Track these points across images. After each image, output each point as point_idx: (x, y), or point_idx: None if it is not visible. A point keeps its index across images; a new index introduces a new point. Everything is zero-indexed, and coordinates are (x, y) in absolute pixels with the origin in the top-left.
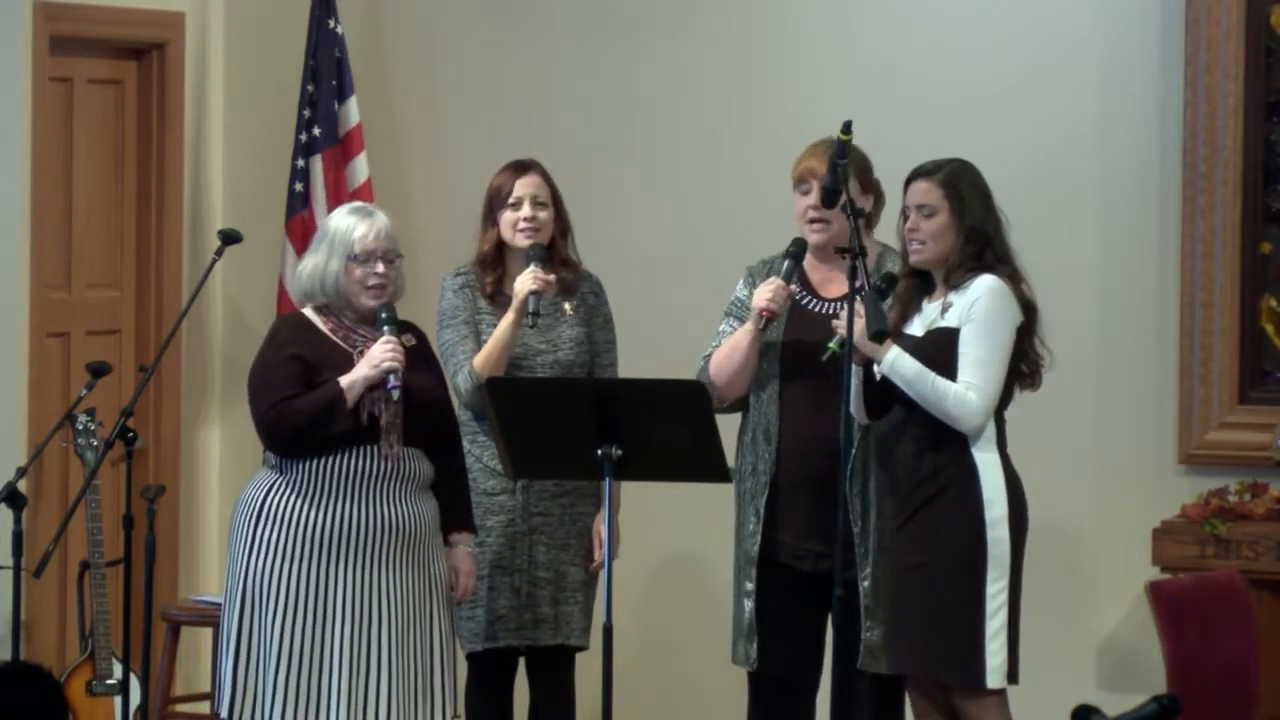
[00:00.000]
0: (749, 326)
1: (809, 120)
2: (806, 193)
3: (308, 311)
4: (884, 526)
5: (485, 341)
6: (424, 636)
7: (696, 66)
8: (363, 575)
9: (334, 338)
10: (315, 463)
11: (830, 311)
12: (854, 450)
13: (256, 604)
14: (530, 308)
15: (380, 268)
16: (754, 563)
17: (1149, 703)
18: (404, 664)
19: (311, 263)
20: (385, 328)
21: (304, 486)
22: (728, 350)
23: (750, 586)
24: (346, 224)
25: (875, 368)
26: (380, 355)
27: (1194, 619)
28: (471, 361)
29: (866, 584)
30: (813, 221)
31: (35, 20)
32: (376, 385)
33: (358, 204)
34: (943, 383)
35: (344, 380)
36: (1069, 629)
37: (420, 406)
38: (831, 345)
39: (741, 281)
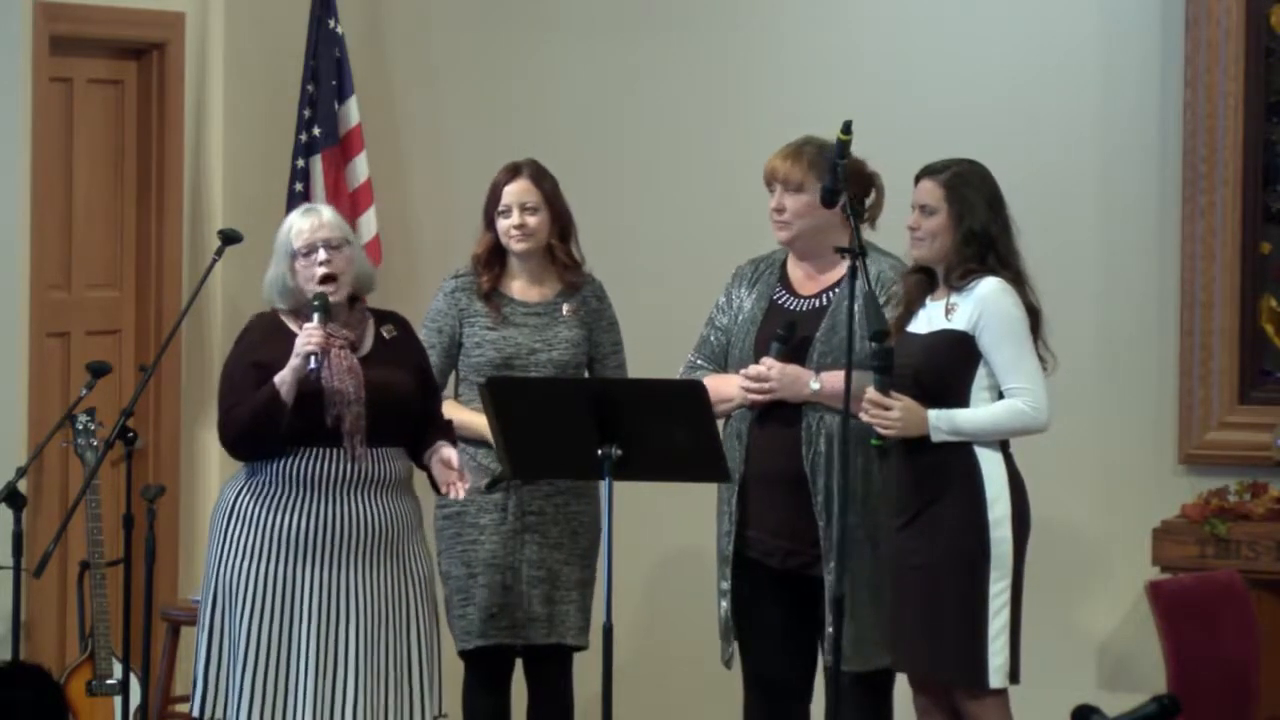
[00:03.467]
0: (738, 396)
1: (809, 120)
2: (772, 194)
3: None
4: (853, 522)
5: (463, 345)
6: (399, 636)
7: (695, 66)
8: (330, 576)
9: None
10: (283, 464)
11: (806, 309)
12: (823, 447)
13: (226, 604)
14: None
15: (322, 254)
16: (728, 562)
17: (1149, 703)
18: (374, 665)
19: (269, 273)
20: (314, 315)
21: (272, 488)
22: (714, 398)
23: (725, 586)
24: (287, 226)
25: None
26: (299, 342)
27: (1194, 619)
28: None
29: (830, 579)
30: (775, 221)
31: (35, 20)
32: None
33: (304, 205)
34: (990, 414)
35: (277, 377)
36: (1069, 629)
37: (392, 405)
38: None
39: (730, 281)
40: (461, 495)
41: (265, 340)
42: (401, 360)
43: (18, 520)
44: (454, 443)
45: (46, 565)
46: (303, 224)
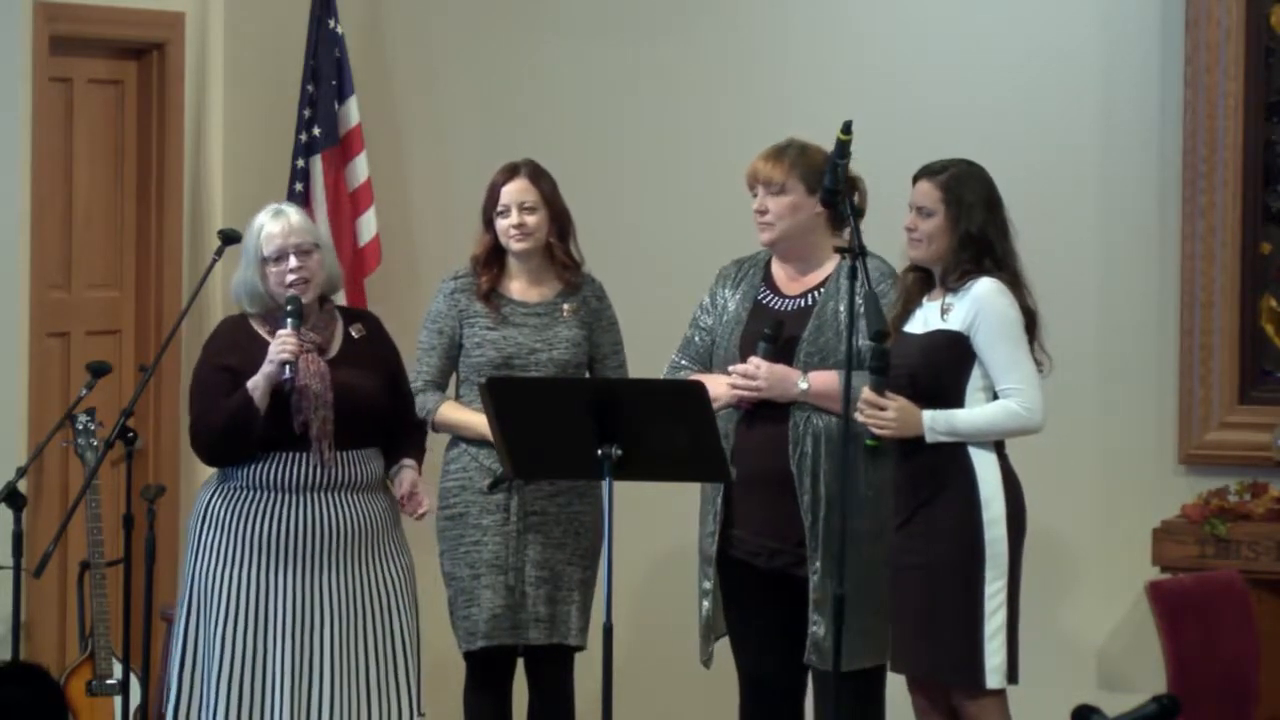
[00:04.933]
0: (725, 395)
1: (809, 120)
2: (755, 196)
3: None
4: (837, 524)
5: (463, 346)
6: (380, 637)
7: (696, 66)
8: (303, 579)
9: (269, 339)
10: (253, 469)
11: (791, 309)
12: (806, 446)
13: (200, 609)
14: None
15: (293, 262)
16: (711, 561)
17: (1149, 703)
18: (351, 667)
19: (237, 276)
20: (287, 321)
21: (243, 492)
22: None
23: (707, 585)
24: (255, 229)
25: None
26: (274, 349)
27: (1194, 619)
28: (430, 397)
29: (815, 578)
30: (758, 223)
31: (35, 20)
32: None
33: (271, 206)
34: (985, 414)
35: (249, 383)
36: (1069, 629)
37: (360, 407)
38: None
39: (714, 281)
40: (420, 513)
41: (233, 345)
42: (370, 360)
43: (18, 520)
44: (420, 454)
45: (46, 565)
46: (273, 228)
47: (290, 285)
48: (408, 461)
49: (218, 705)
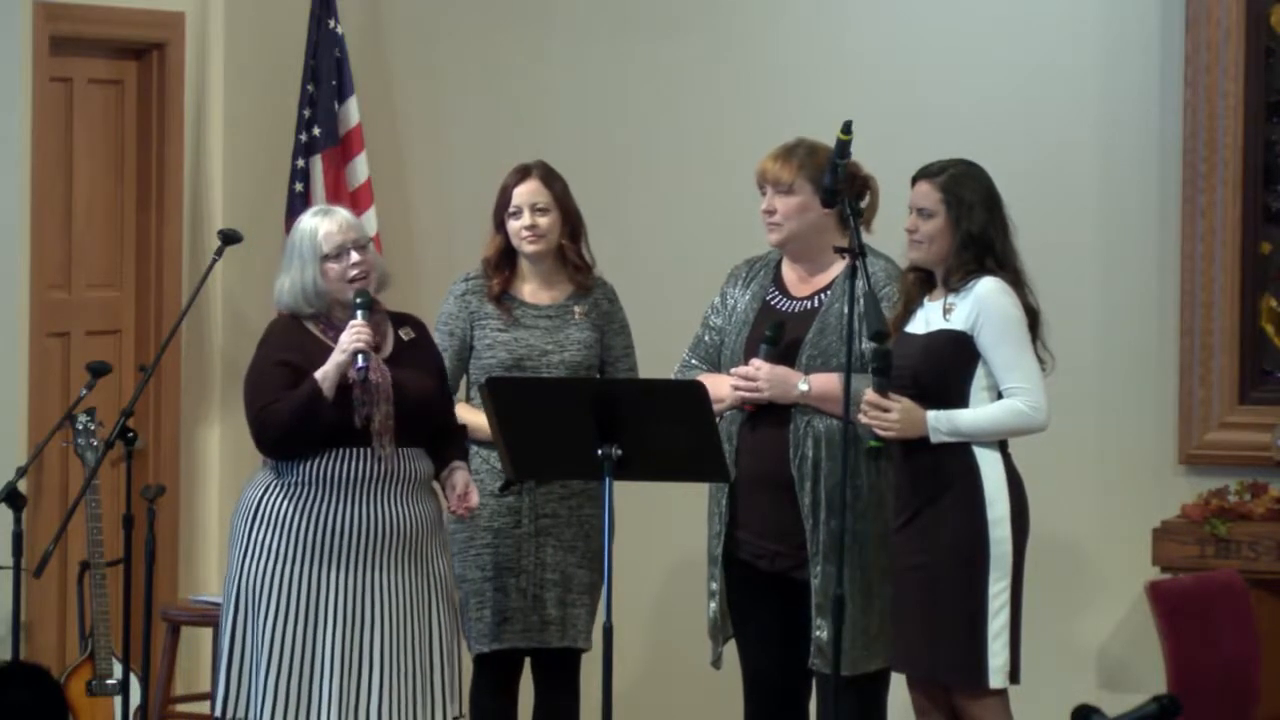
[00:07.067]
0: (728, 397)
1: (809, 120)
2: (763, 195)
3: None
4: (836, 526)
5: (474, 348)
6: (422, 637)
7: (696, 66)
8: (355, 578)
9: (324, 339)
10: (310, 465)
11: (798, 310)
12: (809, 448)
13: (249, 606)
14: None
15: (355, 256)
16: (717, 562)
17: (1149, 703)
18: (398, 666)
19: (289, 279)
20: (358, 313)
21: (298, 489)
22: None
23: (715, 587)
24: (308, 229)
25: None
26: (347, 339)
27: (1194, 619)
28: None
29: (817, 582)
30: (766, 223)
31: (35, 20)
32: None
33: (314, 207)
34: (989, 414)
35: (318, 373)
36: (1069, 629)
37: (416, 407)
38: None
39: (726, 280)
40: (469, 507)
41: (290, 344)
42: (421, 362)
43: (18, 520)
44: (466, 455)
45: (46, 565)
46: (329, 226)
47: (352, 280)
48: (458, 463)
49: (265, 700)
